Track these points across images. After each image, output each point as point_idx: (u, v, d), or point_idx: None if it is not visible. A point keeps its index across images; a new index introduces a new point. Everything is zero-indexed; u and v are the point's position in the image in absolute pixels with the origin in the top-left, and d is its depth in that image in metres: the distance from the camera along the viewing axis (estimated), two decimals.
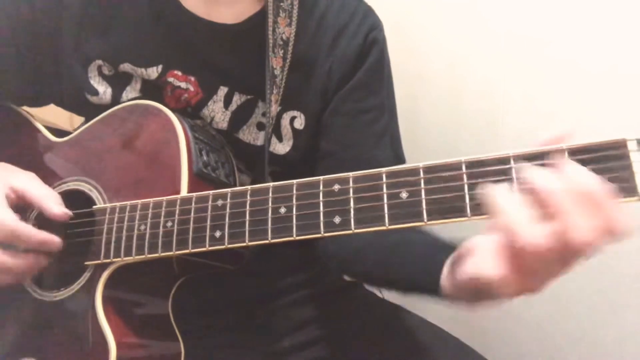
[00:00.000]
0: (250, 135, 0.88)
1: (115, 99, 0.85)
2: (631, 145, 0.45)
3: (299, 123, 0.88)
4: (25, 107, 0.94)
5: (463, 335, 0.90)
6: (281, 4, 0.85)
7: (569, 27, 1.08)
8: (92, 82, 0.85)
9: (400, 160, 0.94)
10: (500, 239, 0.46)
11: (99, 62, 0.85)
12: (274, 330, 0.94)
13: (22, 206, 0.76)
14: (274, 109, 0.85)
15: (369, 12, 0.93)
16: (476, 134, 1.31)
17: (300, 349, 0.92)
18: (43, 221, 0.78)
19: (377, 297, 1.04)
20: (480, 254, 0.47)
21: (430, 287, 0.63)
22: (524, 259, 0.45)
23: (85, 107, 0.87)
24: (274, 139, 0.88)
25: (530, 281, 0.47)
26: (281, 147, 0.89)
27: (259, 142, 0.88)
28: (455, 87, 1.35)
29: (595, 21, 1.04)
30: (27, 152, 0.88)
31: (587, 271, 1.09)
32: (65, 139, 0.86)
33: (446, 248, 0.62)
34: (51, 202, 0.75)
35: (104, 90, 0.85)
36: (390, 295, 1.24)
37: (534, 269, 0.46)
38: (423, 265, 0.66)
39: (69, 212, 0.76)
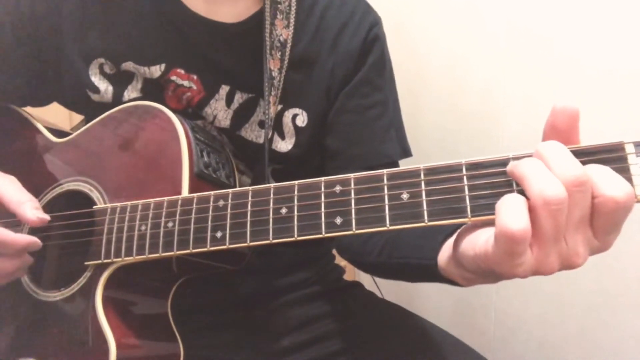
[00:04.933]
0: (253, 133, 0.88)
1: (117, 98, 0.85)
2: (629, 148, 0.45)
3: (301, 120, 0.89)
4: (26, 108, 0.94)
5: (463, 335, 0.90)
6: (278, 5, 0.86)
7: (570, 27, 1.08)
8: (92, 79, 0.85)
9: (407, 153, 0.95)
10: (527, 198, 0.46)
11: (101, 60, 0.85)
12: (274, 330, 0.94)
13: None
14: (273, 110, 0.85)
15: (369, 9, 0.94)
16: (476, 134, 1.31)
17: (300, 349, 0.92)
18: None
19: (377, 297, 1.04)
20: (501, 212, 0.46)
21: (428, 264, 0.63)
22: (544, 218, 0.45)
23: (87, 105, 0.87)
24: (276, 137, 0.89)
25: (547, 250, 0.46)
26: (283, 145, 0.89)
27: (261, 139, 0.88)
28: (455, 87, 1.35)
29: (595, 21, 1.04)
30: (27, 153, 0.88)
31: (587, 271, 1.10)
32: (66, 139, 0.85)
33: (447, 228, 0.62)
34: (27, 207, 0.73)
35: (105, 88, 0.85)
36: (390, 296, 1.24)
37: (552, 233, 0.45)
38: (423, 243, 0.66)
39: (46, 217, 0.74)
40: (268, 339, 0.93)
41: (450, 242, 0.59)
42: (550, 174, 0.45)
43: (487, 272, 0.51)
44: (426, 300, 1.54)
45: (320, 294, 0.99)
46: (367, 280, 1.28)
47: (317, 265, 1.02)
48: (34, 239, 0.73)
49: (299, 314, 0.96)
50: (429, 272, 0.64)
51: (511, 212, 0.45)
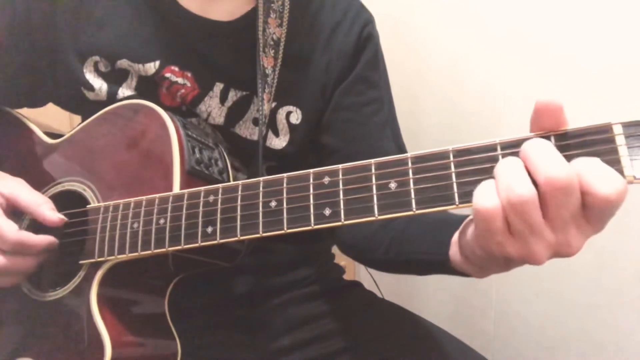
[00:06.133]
0: (247, 130, 0.89)
1: (111, 96, 0.86)
2: (616, 129, 0.45)
3: (295, 118, 0.89)
4: (22, 110, 0.94)
5: (463, 335, 0.89)
6: (272, 4, 0.87)
7: (569, 27, 1.08)
8: (87, 77, 0.86)
9: (402, 151, 0.95)
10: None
11: (96, 57, 0.85)
12: (273, 329, 0.93)
13: (15, 210, 0.76)
14: (267, 107, 0.86)
15: (362, 8, 0.96)
16: (476, 134, 1.31)
17: (299, 348, 0.92)
18: (37, 223, 0.78)
19: (376, 296, 1.04)
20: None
21: (440, 260, 0.63)
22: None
23: (82, 104, 0.87)
24: (270, 134, 0.89)
25: (524, 242, 0.46)
26: (277, 142, 0.89)
27: (255, 136, 0.89)
28: (456, 87, 1.35)
29: (595, 21, 1.04)
30: (21, 154, 0.88)
31: (586, 271, 1.10)
32: (59, 140, 0.86)
33: (455, 221, 0.62)
34: (45, 208, 0.74)
35: (99, 86, 0.86)
36: (390, 296, 1.24)
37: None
38: (432, 239, 0.66)
39: (64, 218, 0.75)
40: (267, 338, 0.93)
41: (457, 235, 0.60)
42: (519, 174, 0.45)
43: (482, 258, 0.52)
44: (426, 300, 1.54)
45: (319, 293, 0.99)
46: (367, 280, 1.28)
47: (316, 264, 1.02)
48: (53, 239, 0.74)
49: (299, 313, 0.95)
50: (441, 267, 0.64)
51: (482, 192, 0.46)
